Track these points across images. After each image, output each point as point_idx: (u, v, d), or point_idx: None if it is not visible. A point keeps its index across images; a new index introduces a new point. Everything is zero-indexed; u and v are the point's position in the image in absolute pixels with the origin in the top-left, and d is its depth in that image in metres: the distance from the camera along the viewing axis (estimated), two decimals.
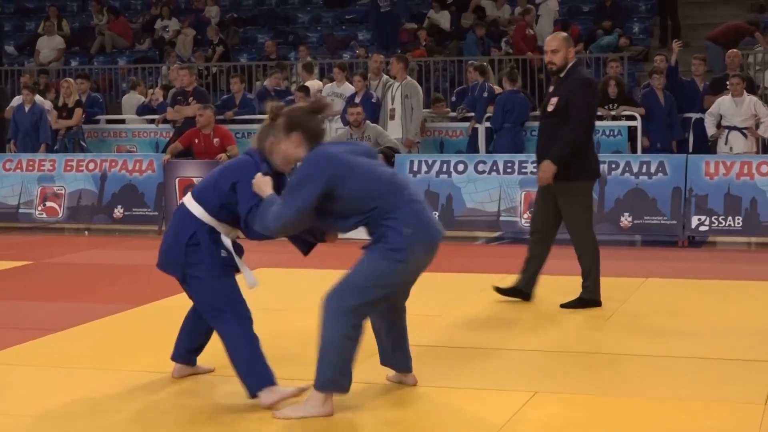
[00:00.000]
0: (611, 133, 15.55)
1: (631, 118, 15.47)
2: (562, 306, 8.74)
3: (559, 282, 9.51)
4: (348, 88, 16.33)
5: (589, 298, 8.72)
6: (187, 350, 6.70)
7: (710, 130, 14.33)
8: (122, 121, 18.63)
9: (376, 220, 5.81)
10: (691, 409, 5.99)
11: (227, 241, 6.35)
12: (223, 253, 6.30)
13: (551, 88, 8.80)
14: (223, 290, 6.23)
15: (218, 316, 6.16)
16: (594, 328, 8.17)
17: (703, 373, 6.84)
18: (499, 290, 9.01)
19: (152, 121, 17.58)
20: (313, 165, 5.78)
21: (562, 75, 8.60)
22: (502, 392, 6.25)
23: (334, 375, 5.76)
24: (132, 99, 18.89)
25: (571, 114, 8.48)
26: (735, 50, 16.23)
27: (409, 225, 5.74)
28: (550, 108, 8.62)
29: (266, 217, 5.87)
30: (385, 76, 15.76)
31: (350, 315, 5.77)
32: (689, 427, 5.67)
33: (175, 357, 6.73)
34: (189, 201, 6.21)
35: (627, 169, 12.88)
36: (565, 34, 9.07)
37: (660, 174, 12.74)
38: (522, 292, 8.93)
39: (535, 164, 9.43)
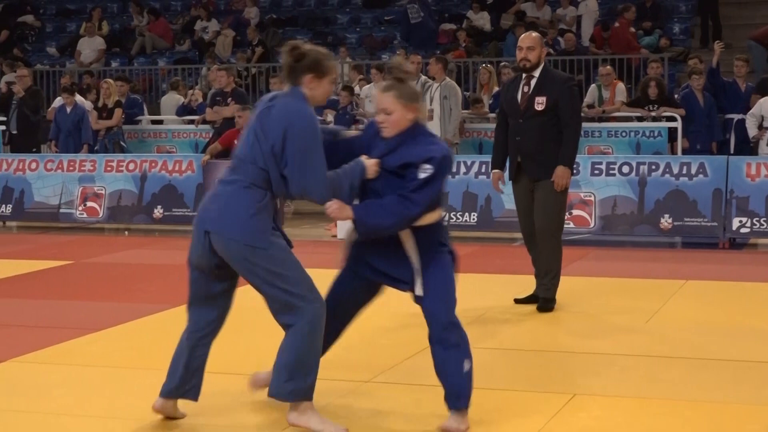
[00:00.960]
0: (651, 134, 15.47)
1: (672, 119, 15.39)
2: (517, 301, 8.91)
3: (582, 282, 9.49)
4: None
5: (549, 297, 8.71)
6: None
7: (752, 131, 14.24)
8: (161, 122, 18.71)
9: None
10: (730, 413, 5.96)
11: None
12: None
13: (525, 87, 8.57)
14: None
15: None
16: (633, 330, 8.13)
17: (742, 375, 6.80)
18: (520, 301, 8.94)
19: (192, 122, 17.65)
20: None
21: (536, 74, 8.55)
22: (541, 394, 6.24)
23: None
24: (171, 99, 18.98)
25: (570, 114, 8.51)
26: None
27: None
28: (539, 107, 8.48)
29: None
30: (423, 77, 15.74)
31: None
32: (728, 431, 5.65)
33: None
34: None
35: (667, 170, 12.82)
36: (537, 33, 8.98)
37: (701, 175, 12.67)
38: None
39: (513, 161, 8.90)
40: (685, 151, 14.87)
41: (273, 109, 5.53)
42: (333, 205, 5.59)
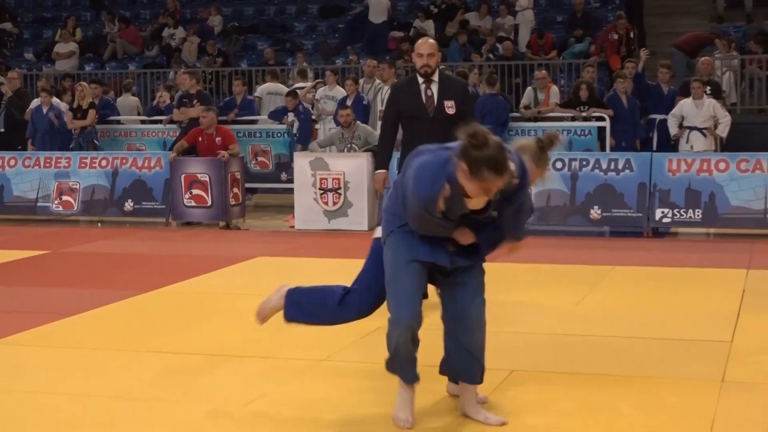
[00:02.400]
0: (582, 133, 15.56)
1: (600, 119, 15.49)
2: None
3: (519, 268, 9.53)
4: (339, 92, 16.33)
5: None
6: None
7: (673, 130, 14.37)
8: (134, 122, 18.57)
9: None
10: (656, 387, 6.03)
11: None
12: None
13: (428, 91, 8.16)
14: None
15: None
16: (566, 311, 8.19)
17: (666, 352, 6.87)
18: None
19: (160, 122, 17.57)
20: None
21: (435, 78, 8.19)
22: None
23: None
24: (126, 101, 18.85)
25: (473, 116, 8.04)
26: (708, 57, 16.32)
27: None
28: (449, 111, 8.09)
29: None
30: (377, 81, 15.75)
31: None
32: (654, 403, 5.70)
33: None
34: None
35: (596, 165, 12.92)
36: (434, 41, 8.61)
37: (627, 170, 12.77)
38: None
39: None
40: (612, 149, 14.96)
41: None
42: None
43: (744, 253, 10.91)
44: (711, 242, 12.66)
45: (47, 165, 15.10)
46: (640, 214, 12.62)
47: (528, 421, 5.43)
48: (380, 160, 8.69)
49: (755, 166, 12.33)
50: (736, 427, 5.34)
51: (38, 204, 15.00)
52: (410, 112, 8.27)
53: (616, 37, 19.02)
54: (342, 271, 10.15)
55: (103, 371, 6.57)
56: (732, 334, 7.25)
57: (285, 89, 17.45)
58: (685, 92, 14.99)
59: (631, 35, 18.97)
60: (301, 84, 17.76)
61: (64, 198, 14.87)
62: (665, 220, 12.58)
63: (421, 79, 8.21)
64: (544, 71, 17.02)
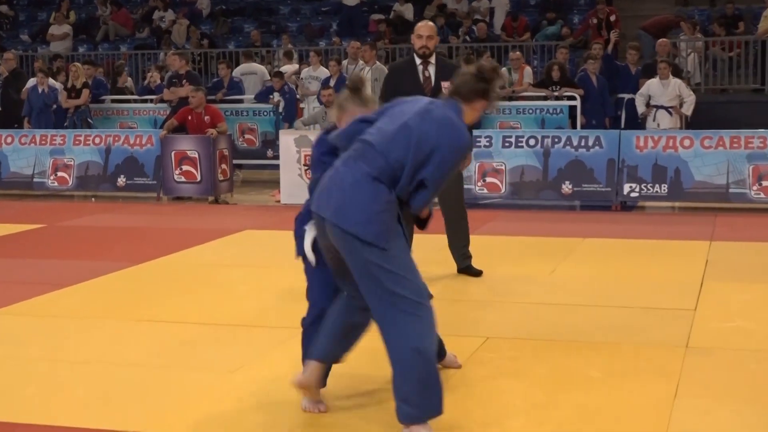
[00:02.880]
0: (554, 111, 15.59)
1: (572, 98, 15.52)
2: (462, 271, 8.42)
3: (494, 240, 9.53)
4: (323, 72, 16.31)
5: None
6: None
7: (640, 108, 14.43)
8: (127, 101, 18.49)
9: None
10: (623, 352, 6.06)
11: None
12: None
13: (426, 72, 8.03)
14: None
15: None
16: (539, 281, 8.21)
17: (634, 320, 6.91)
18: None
19: (151, 101, 17.52)
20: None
21: (432, 60, 8.08)
22: (458, 337, 6.27)
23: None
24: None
25: None
26: (665, 39, 16.30)
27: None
28: (446, 92, 8.11)
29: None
30: (360, 61, 15.74)
31: None
32: (621, 368, 5.74)
33: None
34: None
35: (568, 142, 12.94)
36: (432, 23, 8.47)
37: (596, 147, 12.81)
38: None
39: None
40: (583, 126, 15.00)
41: (432, 117, 4.68)
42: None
43: (707, 226, 10.96)
44: (676, 215, 12.71)
45: (43, 142, 15.05)
46: (609, 189, 12.66)
47: (503, 385, 5.46)
48: None
49: (718, 142, 12.38)
50: (700, 389, 5.38)
51: (34, 180, 14.94)
52: (408, 91, 7.98)
53: (595, 21, 19.01)
54: None
55: (97, 339, 6.57)
56: (696, 302, 7.29)
57: (258, 67, 17.62)
58: (648, 73, 15.05)
59: (611, 19, 18.95)
60: (287, 66, 17.70)
61: (59, 174, 14.82)
62: (633, 194, 12.63)
63: (418, 60, 8.08)
64: (518, 53, 17.03)
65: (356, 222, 4.51)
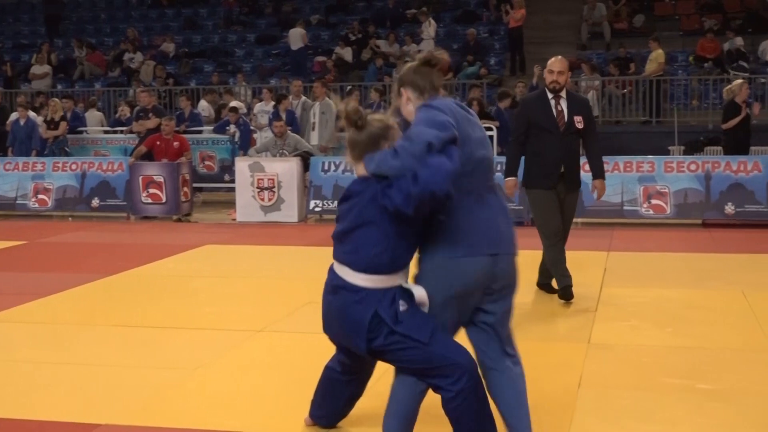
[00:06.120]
0: None
1: (489, 129, 15.63)
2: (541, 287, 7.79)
3: None
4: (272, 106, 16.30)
5: (570, 283, 7.49)
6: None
7: None
8: (100, 133, 18.28)
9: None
10: (526, 349, 6.09)
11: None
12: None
13: (558, 107, 7.34)
14: None
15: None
16: None
17: (539, 319, 6.94)
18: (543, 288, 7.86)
19: (122, 132, 17.37)
20: (436, 107, 3.91)
21: (563, 94, 7.39)
22: None
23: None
24: (92, 116, 18.63)
25: (596, 131, 7.50)
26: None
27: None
28: (579, 126, 7.30)
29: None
30: (303, 98, 15.73)
31: None
32: (530, 362, 5.74)
33: None
34: None
35: None
36: (566, 59, 7.65)
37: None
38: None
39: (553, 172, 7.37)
40: (499, 154, 15.10)
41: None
42: None
43: (605, 239, 11.09)
44: (578, 229, 12.80)
45: (25, 168, 14.85)
46: (522, 207, 12.74)
47: None
48: (509, 168, 7.54)
49: (614, 167, 12.52)
50: (601, 379, 5.43)
51: (17, 201, 14.72)
52: (541, 124, 7.35)
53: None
54: (276, 256, 10.16)
55: (74, 342, 6.47)
56: (596, 305, 7.36)
57: (206, 105, 17.86)
58: None
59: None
60: (234, 103, 17.60)
61: (40, 196, 14.62)
62: None
63: (550, 95, 7.38)
64: (443, 90, 17.10)
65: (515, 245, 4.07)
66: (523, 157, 7.57)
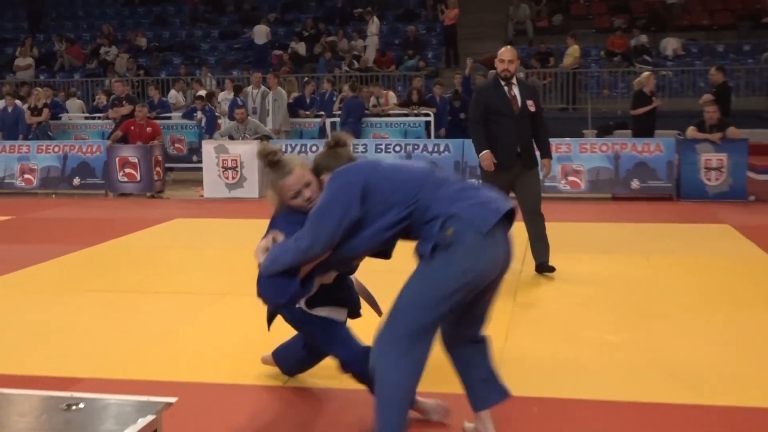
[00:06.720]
0: (414, 125, 15.71)
1: (427, 115, 15.67)
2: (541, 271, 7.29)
3: None
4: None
5: (547, 260, 7.27)
6: None
7: None
8: (80, 119, 17.97)
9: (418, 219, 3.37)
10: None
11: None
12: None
13: (511, 93, 7.03)
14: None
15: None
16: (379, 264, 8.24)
17: None
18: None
19: (99, 118, 17.10)
20: (342, 177, 3.41)
21: (514, 81, 7.08)
22: None
23: (395, 421, 3.32)
24: (73, 103, 18.32)
25: (541, 115, 7.17)
26: (494, 71, 16.56)
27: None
28: (531, 109, 7.04)
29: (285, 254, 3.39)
30: (263, 88, 15.61)
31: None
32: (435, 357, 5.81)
33: None
34: None
35: (425, 148, 13.06)
36: (513, 48, 7.24)
37: (446, 152, 12.95)
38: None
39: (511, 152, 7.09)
40: (436, 136, 15.16)
41: None
42: None
43: None
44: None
45: (12, 151, 14.54)
46: None
47: None
48: (479, 144, 7.09)
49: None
50: (525, 332, 5.49)
51: (5, 181, 14.42)
52: (498, 109, 7.04)
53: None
54: (239, 228, 10.11)
55: (58, 306, 6.39)
56: (521, 267, 7.42)
57: (176, 94, 17.59)
58: None
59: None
60: (201, 91, 17.42)
61: (26, 176, 14.35)
62: None
63: (503, 82, 7.05)
64: (379, 84, 17.27)
65: None
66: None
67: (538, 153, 7.23)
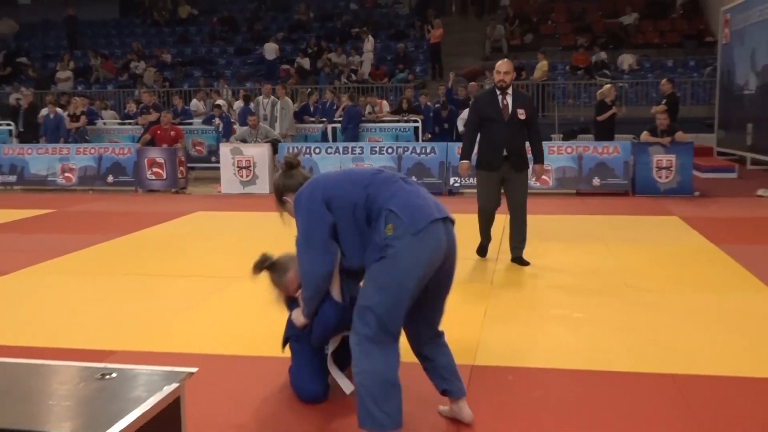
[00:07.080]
0: (404, 130, 15.67)
1: (416, 121, 15.64)
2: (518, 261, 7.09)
3: None
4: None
5: (521, 255, 7.11)
6: None
7: (460, 127, 14.61)
8: (114, 125, 17.89)
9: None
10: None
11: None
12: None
13: (504, 101, 6.84)
14: None
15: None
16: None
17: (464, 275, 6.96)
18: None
19: (129, 124, 17.04)
20: (303, 197, 3.40)
21: (509, 91, 6.85)
22: None
23: (374, 412, 3.08)
24: (107, 114, 18.23)
25: (537, 122, 7.01)
26: (474, 83, 16.59)
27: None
28: (521, 117, 6.83)
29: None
30: (272, 97, 15.57)
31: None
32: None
33: None
34: None
35: (414, 150, 13.02)
36: (509, 61, 7.02)
37: (432, 153, 12.92)
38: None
39: (497, 155, 6.95)
40: (423, 140, 15.12)
41: None
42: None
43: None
44: None
45: (54, 153, 14.48)
46: (440, 181, 12.79)
47: None
48: (465, 152, 7.04)
49: None
50: (501, 311, 5.48)
51: (48, 179, 14.35)
52: (489, 116, 6.90)
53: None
54: (252, 219, 10.08)
55: (94, 288, 6.35)
56: (497, 255, 7.41)
57: (197, 103, 17.45)
58: (466, 105, 15.23)
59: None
60: (219, 101, 17.38)
61: (66, 174, 14.29)
62: (456, 185, 12.79)
63: (498, 92, 6.87)
64: (374, 95, 17.12)
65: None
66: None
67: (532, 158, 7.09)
